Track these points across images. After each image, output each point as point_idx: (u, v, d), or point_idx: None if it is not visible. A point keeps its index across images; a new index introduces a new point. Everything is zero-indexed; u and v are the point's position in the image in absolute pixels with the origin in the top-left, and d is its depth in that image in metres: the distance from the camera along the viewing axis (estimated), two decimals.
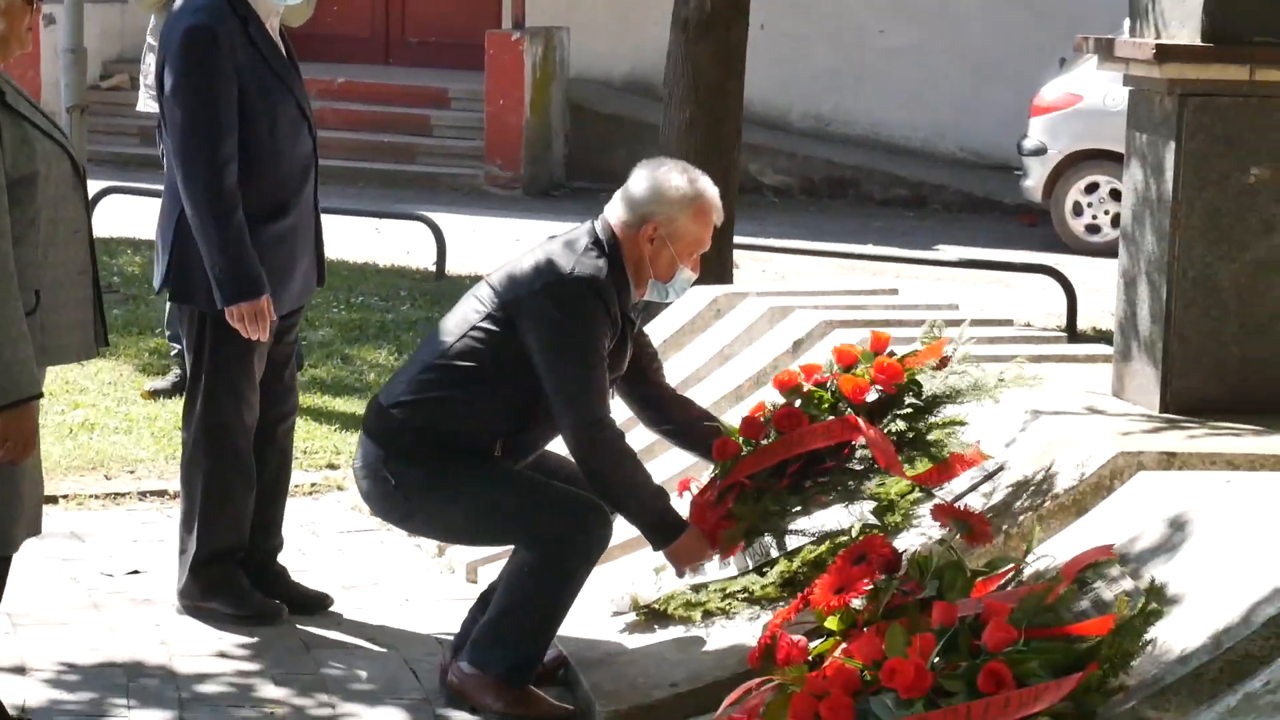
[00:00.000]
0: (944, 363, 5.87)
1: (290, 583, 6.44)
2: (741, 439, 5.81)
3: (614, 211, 5.75)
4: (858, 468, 5.73)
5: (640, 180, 5.76)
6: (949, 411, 5.83)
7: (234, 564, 6.30)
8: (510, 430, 5.72)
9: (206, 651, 6.06)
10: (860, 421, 5.64)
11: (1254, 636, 4.44)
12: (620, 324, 5.70)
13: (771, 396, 6.06)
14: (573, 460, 5.74)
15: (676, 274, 5.78)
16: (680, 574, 5.79)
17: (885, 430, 5.69)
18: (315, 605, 6.39)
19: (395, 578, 6.73)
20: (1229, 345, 6.28)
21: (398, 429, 5.69)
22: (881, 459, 5.61)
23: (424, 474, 5.66)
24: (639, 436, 6.21)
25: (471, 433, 5.68)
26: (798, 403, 5.81)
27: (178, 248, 6.17)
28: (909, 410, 5.62)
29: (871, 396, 5.73)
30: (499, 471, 5.69)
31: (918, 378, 5.78)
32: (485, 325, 5.67)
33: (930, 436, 5.67)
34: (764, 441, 5.76)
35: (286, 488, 6.50)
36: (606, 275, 5.63)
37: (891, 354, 5.88)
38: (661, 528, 5.68)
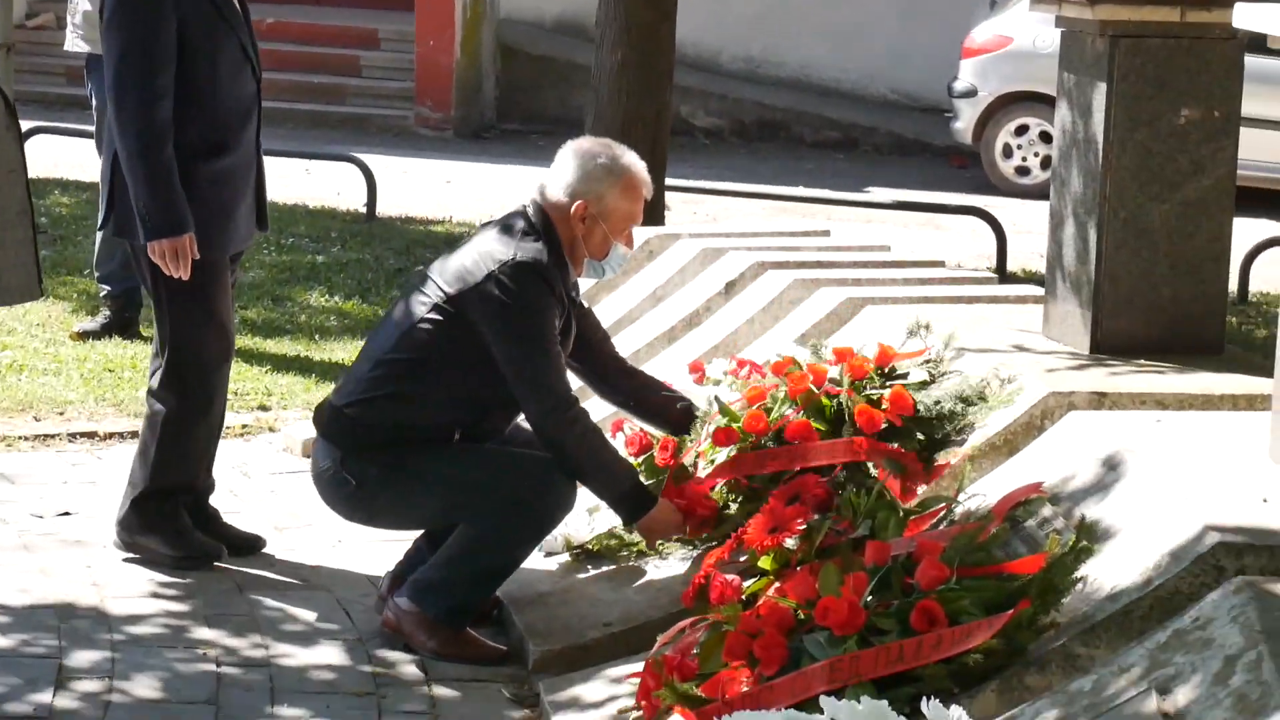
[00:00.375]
0: (933, 377, 5.85)
1: (223, 524, 6.42)
2: (741, 429, 5.77)
3: (544, 193, 5.76)
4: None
5: (566, 160, 5.77)
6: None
7: (178, 503, 6.27)
8: (468, 420, 5.73)
9: (138, 593, 6.04)
10: (865, 447, 5.58)
11: (1183, 574, 4.48)
12: (565, 303, 5.72)
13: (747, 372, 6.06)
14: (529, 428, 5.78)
15: (611, 250, 5.80)
16: (650, 546, 5.78)
17: None
18: (248, 547, 6.38)
19: (328, 519, 6.69)
20: (1159, 286, 6.32)
21: (353, 428, 5.69)
22: (910, 472, 5.58)
23: (382, 470, 5.67)
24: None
25: (429, 425, 5.69)
26: (800, 412, 5.75)
27: (119, 183, 6.13)
28: (917, 445, 5.61)
29: (883, 426, 5.68)
30: (457, 448, 5.72)
31: (916, 397, 5.71)
32: (434, 318, 5.65)
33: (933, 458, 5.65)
34: (765, 440, 5.71)
35: (220, 430, 6.47)
36: (548, 257, 5.65)
37: (893, 370, 5.82)
38: (632, 503, 5.71)
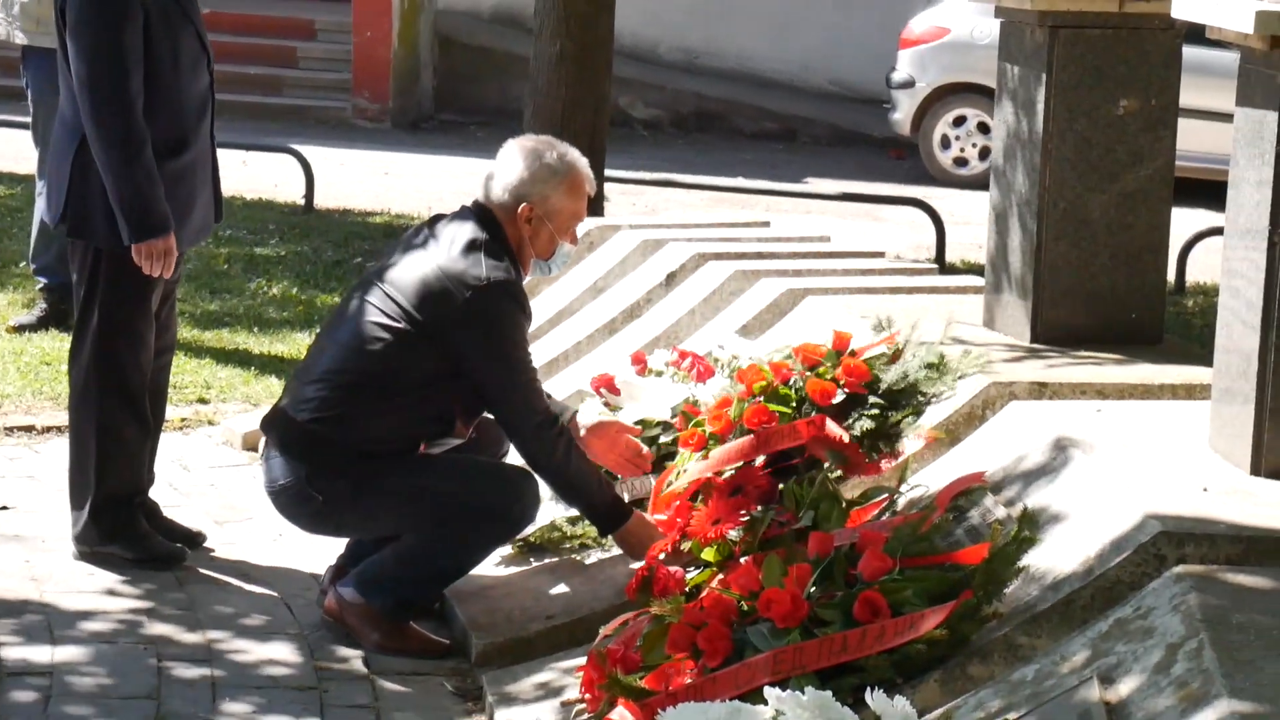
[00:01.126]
0: (897, 354, 5.86)
1: (163, 519, 6.38)
2: (710, 432, 5.75)
3: (489, 195, 5.72)
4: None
5: (509, 162, 5.73)
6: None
7: (132, 507, 6.22)
8: (433, 432, 5.71)
9: (79, 589, 6.00)
10: (828, 427, 5.57)
11: (1124, 563, 4.50)
12: (530, 313, 5.74)
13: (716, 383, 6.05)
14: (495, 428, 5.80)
15: (557, 249, 5.77)
16: (635, 557, 5.71)
17: (853, 428, 5.62)
18: (189, 542, 6.34)
19: (268, 512, 6.66)
20: (1099, 276, 6.34)
21: (318, 446, 5.62)
22: (852, 463, 5.56)
23: (352, 485, 5.62)
24: None
25: (394, 439, 5.65)
26: (761, 399, 5.74)
27: (77, 183, 6.04)
28: (875, 411, 5.60)
29: (839, 398, 5.67)
30: (423, 460, 5.70)
31: (876, 373, 5.72)
32: (401, 341, 5.57)
33: (899, 427, 5.64)
34: (731, 438, 5.70)
35: (160, 425, 6.43)
36: (514, 273, 5.63)
37: (853, 354, 5.81)
38: (609, 516, 5.71)
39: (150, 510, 6.35)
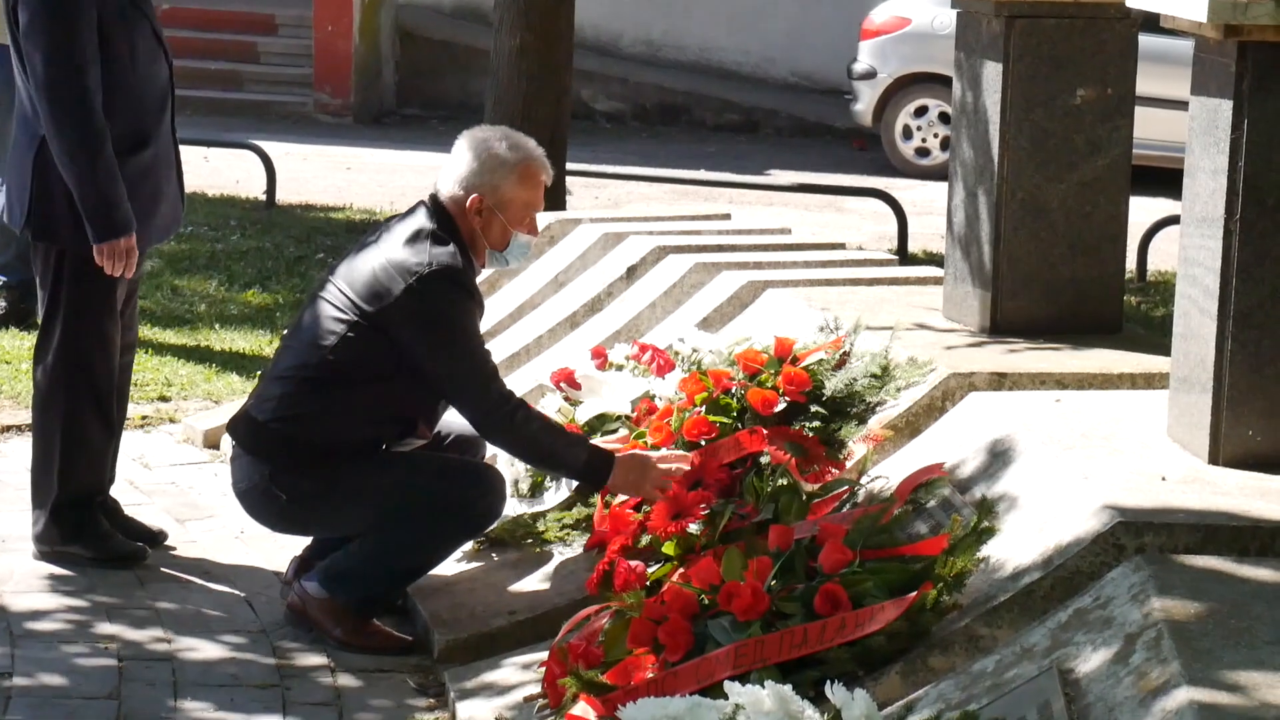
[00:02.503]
0: (844, 359, 5.83)
1: (124, 517, 6.36)
2: (650, 444, 5.69)
3: (442, 188, 5.70)
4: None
5: (460, 154, 5.70)
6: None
7: (94, 507, 6.19)
8: (395, 431, 5.69)
9: (38, 588, 5.98)
10: (766, 441, 5.52)
11: (1084, 553, 4.50)
12: (482, 303, 5.70)
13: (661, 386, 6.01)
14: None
15: (512, 240, 5.72)
16: (648, 498, 5.52)
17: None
18: (150, 540, 6.32)
19: (230, 510, 6.65)
20: (1058, 266, 6.35)
21: (281, 445, 5.61)
22: (811, 457, 5.53)
23: (316, 483, 5.60)
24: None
25: (357, 438, 5.63)
26: (703, 409, 5.70)
27: (38, 184, 5.99)
28: (817, 420, 5.57)
29: (780, 406, 5.63)
30: (388, 458, 5.68)
31: (819, 379, 5.69)
32: (350, 334, 5.56)
33: (840, 435, 5.61)
34: (672, 449, 5.65)
35: (123, 422, 6.40)
36: (460, 260, 5.59)
37: (795, 360, 5.79)
38: (592, 471, 5.59)
39: (111, 509, 6.33)
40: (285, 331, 5.97)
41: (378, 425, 5.66)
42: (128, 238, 5.94)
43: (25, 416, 7.57)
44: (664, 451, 5.60)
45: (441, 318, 5.53)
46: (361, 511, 5.64)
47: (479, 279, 5.80)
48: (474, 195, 5.65)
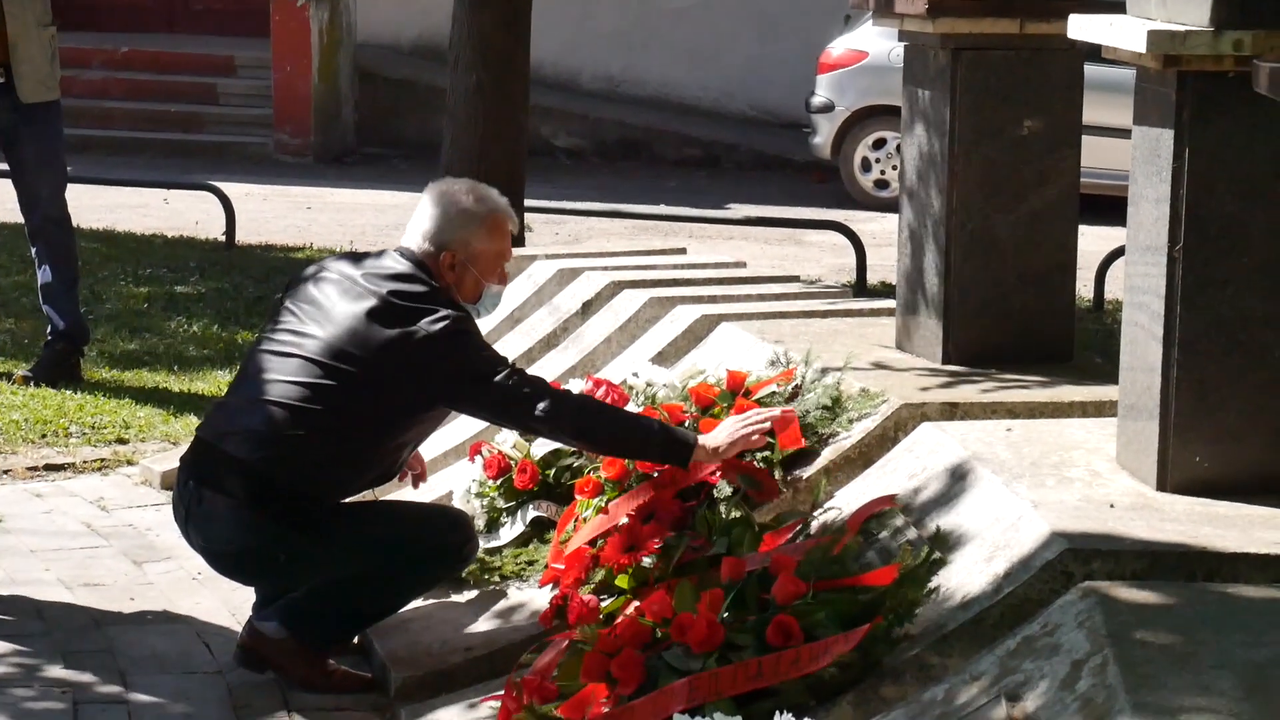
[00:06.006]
0: (796, 391, 5.85)
1: None
2: (605, 479, 5.68)
3: (409, 244, 5.64)
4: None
5: (425, 209, 5.66)
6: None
7: None
8: (378, 479, 5.69)
9: None
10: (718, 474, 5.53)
11: (1032, 581, 4.52)
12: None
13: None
14: None
15: (484, 291, 5.72)
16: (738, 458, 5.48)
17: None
18: None
19: (186, 552, 6.65)
20: (1009, 296, 6.38)
21: (256, 489, 5.45)
22: (765, 489, 5.52)
23: (304, 535, 5.50)
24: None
25: (334, 484, 5.56)
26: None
27: None
28: (766, 453, 5.57)
29: None
30: (368, 505, 5.70)
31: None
32: (349, 388, 5.42)
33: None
34: (630, 483, 5.61)
35: None
36: (462, 310, 5.57)
37: (748, 393, 5.79)
38: (677, 446, 5.46)
39: None
40: (244, 368, 5.75)
41: (368, 475, 5.63)
42: None
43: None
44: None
45: (468, 348, 5.44)
46: (344, 560, 5.56)
47: None
48: (445, 252, 5.62)
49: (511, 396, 5.42)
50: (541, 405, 5.39)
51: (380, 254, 5.70)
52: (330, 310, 5.53)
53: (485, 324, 7.84)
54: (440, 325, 5.43)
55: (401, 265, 5.59)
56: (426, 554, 5.63)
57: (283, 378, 5.49)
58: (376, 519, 5.67)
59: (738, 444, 5.45)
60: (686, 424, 5.70)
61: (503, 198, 5.76)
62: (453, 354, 5.43)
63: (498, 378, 5.42)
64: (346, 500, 5.65)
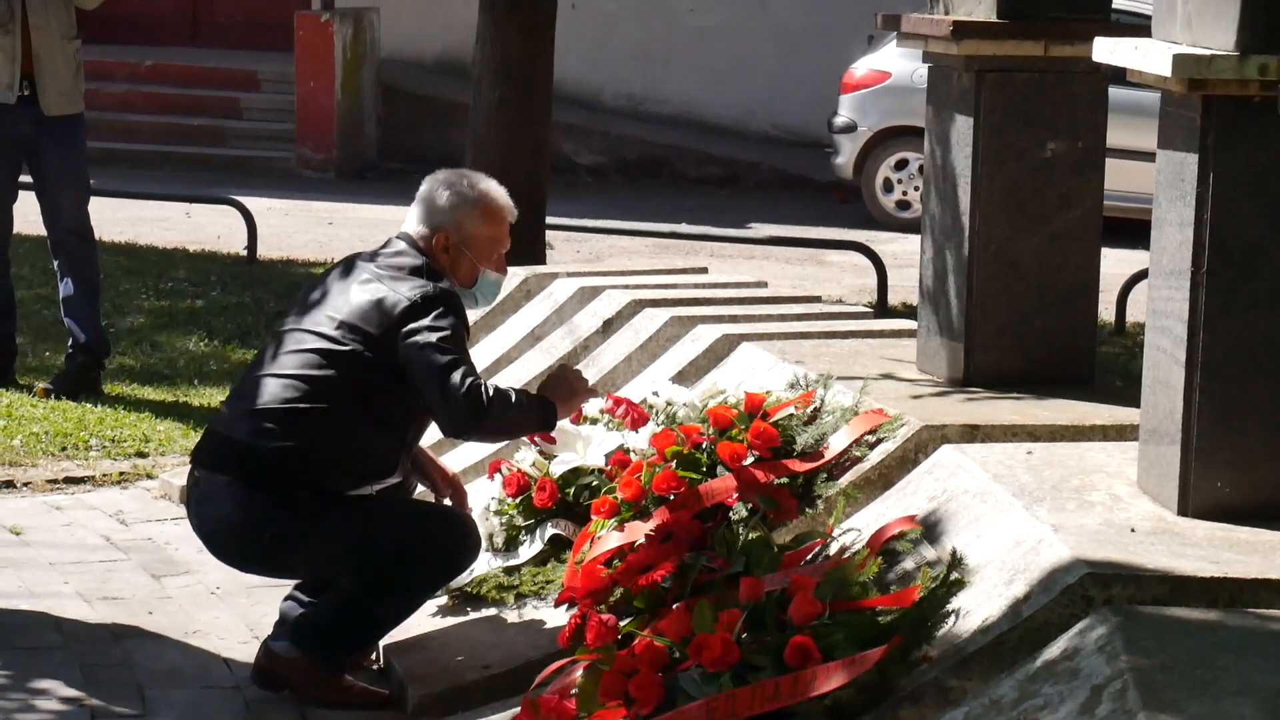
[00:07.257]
0: (815, 414, 5.84)
1: None
2: (621, 500, 5.66)
3: (408, 229, 5.76)
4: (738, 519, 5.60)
5: (423, 195, 5.77)
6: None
7: None
8: (377, 473, 5.68)
9: (8, 645, 5.95)
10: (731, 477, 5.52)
11: (1052, 605, 4.51)
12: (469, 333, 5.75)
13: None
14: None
15: (480, 278, 5.77)
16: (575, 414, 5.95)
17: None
18: None
19: (205, 565, 6.65)
20: (1030, 318, 6.37)
21: (262, 478, 5.50)
22: (783, 509, 5.52)
23: (301, 521, 5.53)
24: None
25: (340, 473, 5.58)
26: (674, 464, 5.67)
27: None
28: (784, 479, 5.57)
29: (749, 460, 5.62)
30: (366, 499, 5.66)
31: (790, 434, 5.69)
32: (347, 361, 5.52)
33: (814, 490, 5.61)
34: (646, 503, 5.62)
35: None
36: (453, 288, 5.66)
37: (765, 415, 5.78)
38: (545, 420, 5.76)
39: None
40: (254, 364, 5.82)
41: (379, 461, 5.65)
42: None
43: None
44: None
45: (450, 323, 5.53)
46: (331, 544, 5.58)
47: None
48: (440, 234, 5.71)
49: (448, 366, 5.47)
50: (470, 380, 5.46)
51: (387, 242, 5.80)
52: (329, 290, 5.69)
53: (504, 340, 7.85)
54: (420, 291, 5.55)
55: (398, 246, 5.72)
56: (423, 555, 5.60)
57: (277, 354, 5.65)
58: (370, 510, 5.65)
59: (580, 396, 5.81)
60: (703, 446, 5.69)
61: (500, 187, 5.84)
62: (424, 315, 5.50)
63: (448, 354, 5.47)
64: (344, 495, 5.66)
